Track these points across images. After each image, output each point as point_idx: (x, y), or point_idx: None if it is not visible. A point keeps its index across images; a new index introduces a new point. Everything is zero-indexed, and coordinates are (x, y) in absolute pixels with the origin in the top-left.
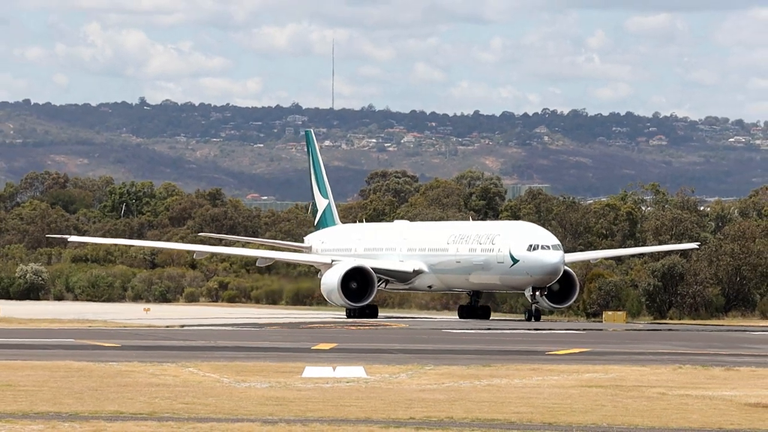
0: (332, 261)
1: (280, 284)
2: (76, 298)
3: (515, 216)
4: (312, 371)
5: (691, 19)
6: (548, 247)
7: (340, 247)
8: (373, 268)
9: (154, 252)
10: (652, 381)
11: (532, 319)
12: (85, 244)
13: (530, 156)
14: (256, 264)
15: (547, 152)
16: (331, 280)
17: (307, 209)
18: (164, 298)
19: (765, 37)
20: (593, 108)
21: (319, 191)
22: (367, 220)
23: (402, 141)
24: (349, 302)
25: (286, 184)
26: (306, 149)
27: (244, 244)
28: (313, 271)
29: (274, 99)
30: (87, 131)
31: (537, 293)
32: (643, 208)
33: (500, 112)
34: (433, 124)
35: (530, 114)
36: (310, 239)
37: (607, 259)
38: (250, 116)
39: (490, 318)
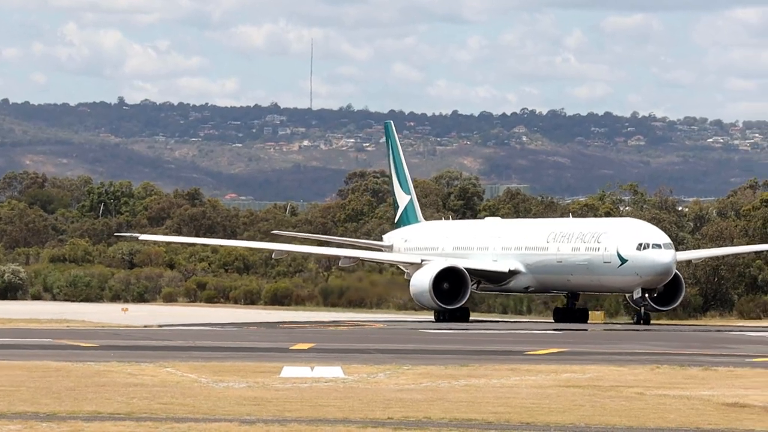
0: (422, 261)
1: (259, 284)
2: (54, 298)
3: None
4: (290, 371)
5: (668, 19)
6: (659, 245)
7: (425, 245)
8: (465, 268)
9: (132, 252)
10: (629, 381)
11: (641, 322)
12: (62, 244)
13: (508, 156)
14: (339, 264)
15: (525, 152)
16: (421, 281)
17: (285, 209)
18: (142, 298)
19: (742, 37)
20: (571, 108)
21: (400, 187)
22: (346, 221)
23: (380, 141)
24: (441, 304)
25: (264, 184)
26: (386, 143)
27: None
28: (291, 271)
29: (252, 99)
30: (65, 131)
31: (646, 295)
32: (622, 208)
33: (478, 112)
34: (412, 123)
35: (508, 114)
36: (390, 237)
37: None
38: (229, 116)
39: (589, 321)
